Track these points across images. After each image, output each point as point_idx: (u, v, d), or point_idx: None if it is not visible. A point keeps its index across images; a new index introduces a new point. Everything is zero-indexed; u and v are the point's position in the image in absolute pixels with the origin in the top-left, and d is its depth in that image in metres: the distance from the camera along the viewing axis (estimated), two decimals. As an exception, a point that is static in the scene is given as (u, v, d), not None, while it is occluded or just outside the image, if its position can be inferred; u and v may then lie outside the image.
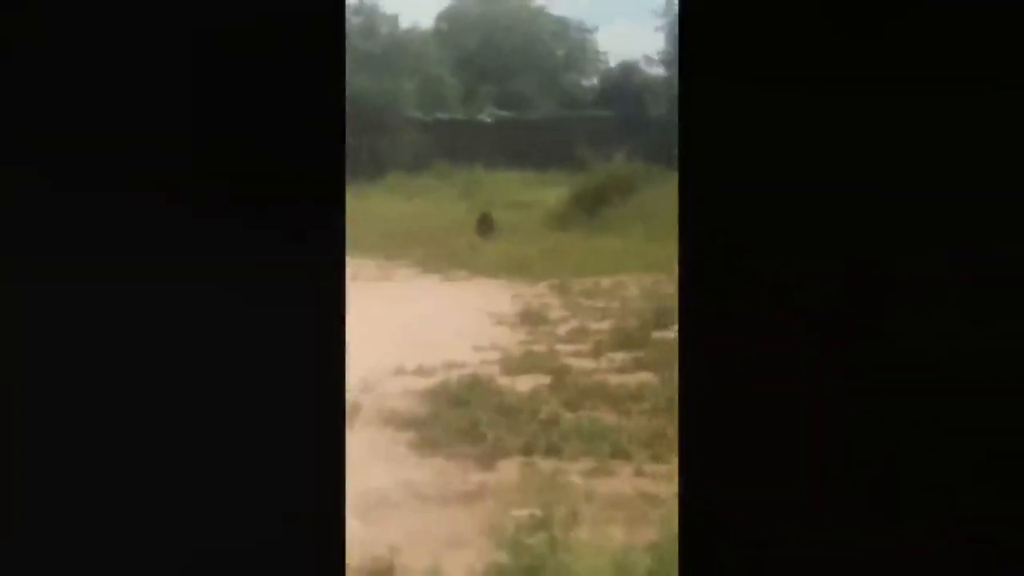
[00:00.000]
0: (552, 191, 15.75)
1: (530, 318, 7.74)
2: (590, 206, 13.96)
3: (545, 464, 4.42)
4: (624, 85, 22.82)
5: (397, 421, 5.06)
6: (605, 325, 7.40)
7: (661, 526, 3.42)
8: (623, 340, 6.76)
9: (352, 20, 22.20)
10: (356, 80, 19.12)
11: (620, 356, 6.40)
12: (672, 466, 3.89)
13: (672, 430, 4.39)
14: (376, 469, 4.38)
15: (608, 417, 5.10)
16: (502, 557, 3.30)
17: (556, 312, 8.05)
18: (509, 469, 4.39)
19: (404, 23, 24.49)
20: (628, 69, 23.61)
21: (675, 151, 1.72)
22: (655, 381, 5.54)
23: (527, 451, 4.58)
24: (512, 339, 7.04)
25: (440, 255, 11.13)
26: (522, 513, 3.72)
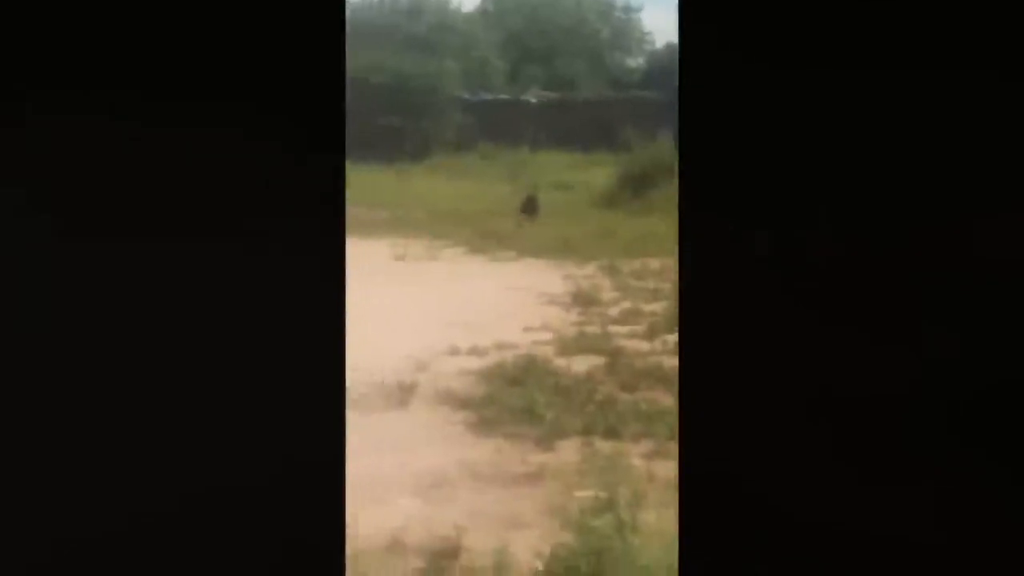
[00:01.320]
0: (598, 172, 15.63)
1: (581, 299, 7.68)
2: (636, 187, 13.83)
3: (604, 445, 4.38)
4: (670, 66, 22.62)
5: (453, 401, 5.04)
6: (657, 307, 7.33)
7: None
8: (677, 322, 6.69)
9: (400, 1, 22.17)
10: (402, 61, 19.10)
11: (674, 338, 6.34)
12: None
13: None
14: (433, 449, 4.37)
15: (665, 399, 5.05)
16: (568, 539, 3.26)
17: (607, 293, 7.98)
18: (568, 450, 4.35)
19: (451, 4, 24.48)
20: (674, 50, 23.39)
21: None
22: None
23: (586, 432, 4.55)
24: (564, 320, 6.99)
25: (486, 235, 11.07)
26: (586, 495, 3.68)
